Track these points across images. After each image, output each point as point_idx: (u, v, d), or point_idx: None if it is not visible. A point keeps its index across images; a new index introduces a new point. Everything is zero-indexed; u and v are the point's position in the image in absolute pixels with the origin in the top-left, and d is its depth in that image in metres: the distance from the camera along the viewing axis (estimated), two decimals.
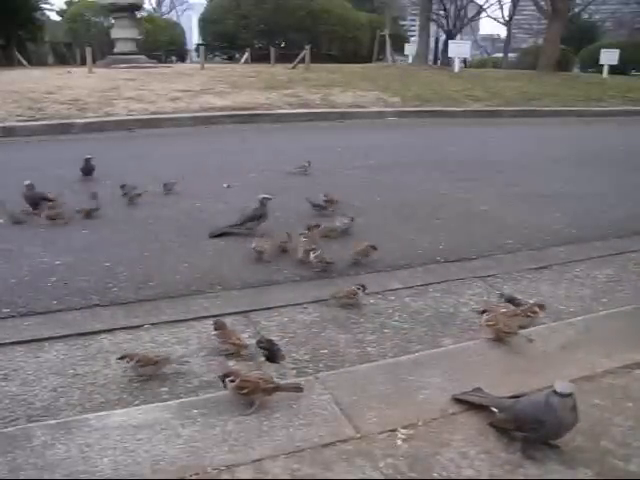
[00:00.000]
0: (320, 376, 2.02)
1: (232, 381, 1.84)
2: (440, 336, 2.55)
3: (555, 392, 1.61)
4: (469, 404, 1.84)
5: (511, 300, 2.92)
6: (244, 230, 3.93)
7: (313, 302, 2.90)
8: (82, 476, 1.52)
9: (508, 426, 1.70)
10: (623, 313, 2.61)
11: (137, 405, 2.00)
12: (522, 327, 2.51)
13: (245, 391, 1.82)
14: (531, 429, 1.64)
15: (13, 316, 2.72)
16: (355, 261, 3.44)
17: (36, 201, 4.41)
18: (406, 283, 3.17)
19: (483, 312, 2.45)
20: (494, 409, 1.77)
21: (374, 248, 3.43)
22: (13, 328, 2.59)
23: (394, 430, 1.73)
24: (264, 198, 3.96)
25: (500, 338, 2.30)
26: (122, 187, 4.78)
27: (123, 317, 2.71)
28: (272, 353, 2.36)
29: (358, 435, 1.71)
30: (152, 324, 2.63)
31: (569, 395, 1.60)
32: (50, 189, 4.56)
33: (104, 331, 2.54)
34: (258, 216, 3.95)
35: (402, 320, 2.72)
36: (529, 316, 2.57)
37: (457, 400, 1.87)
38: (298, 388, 1.90)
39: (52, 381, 2.15)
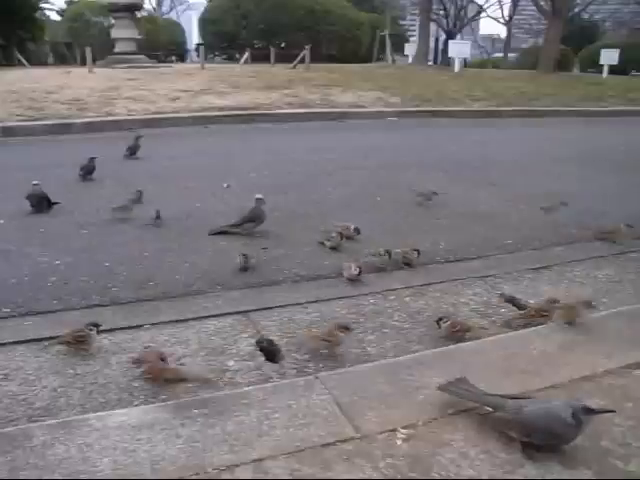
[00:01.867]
0: (320, 376, 2.01)
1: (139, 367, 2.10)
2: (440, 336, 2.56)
3: (581, 408, 1.61)
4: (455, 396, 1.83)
5: (511, 300, 2.93)
6: (242, 231, 3.93)
7: (313, 302, 2.90)
8: (82, 476, 1.52)
9: (512, 429, 1.67)
10: (623, 313, 2.61)
11: (137, 405, 2.00)
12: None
13: (149, 377, 2.07)
14: (541, 439, 1.63)
15: (13, 316, 2.72)
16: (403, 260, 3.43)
17: (40, 201, 4.41)
18: (406, 283, 3.17)
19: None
20: (488, 408, 1.75)
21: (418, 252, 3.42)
22: (13, 328, 2.59)
23: (394, 430, 1.73)
24: (259, 199, 3.94)
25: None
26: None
27: (123, 317, 2.71)
28: (272, 353, 2.36)
29: (358, 435, 1.71)
30: (152, 324, 2.63)
31: (591, 411, 1.60)
32: (50, 189, 4.56)
33: (104, 331, 2.53)
34: (254, 218, 3.93)
35: (402, 320, 2.72)
36: (543, 315, 2.58)
37: (443, 390, 1.84)
38: (207, 380, 2.08)
39: (52, 381, 2.15)
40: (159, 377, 2.05)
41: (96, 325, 2.39)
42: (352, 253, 3.59)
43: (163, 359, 2.14)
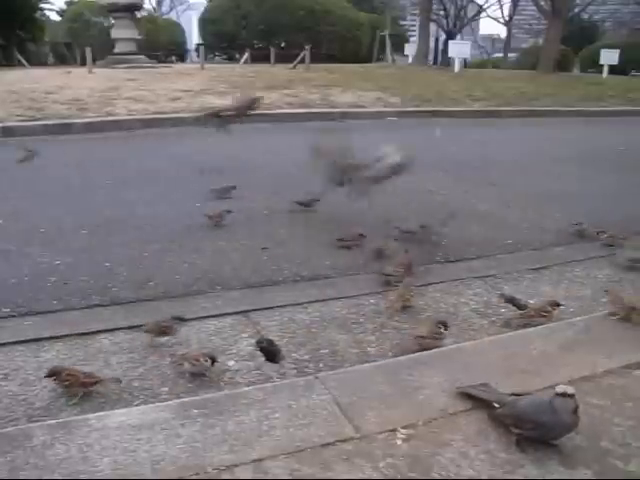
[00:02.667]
0: (320, 376, 2.01)
1: (55, 379, 2.07)
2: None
3: (557, 395, 1.62)
4: (472, 398, 1.85)
5: (511, 300, 2.93)
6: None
7: (313, 302, 2.90)
8: (82, 476, 1.52)
9: (506, 421, 1.72)
10: None
11: (137, 405, 2.00)
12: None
13: (67, 383, 2.05)
14: (529, 429, 1.66)
15: (13, 316, 2.72)
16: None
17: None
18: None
19: None
20: (496, 404, 1.77)
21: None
22: (13, 328, 2.59)
23: (394, 430, 1.73)
24: (400, 156, 3.85)
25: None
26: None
27: (123, 317, 2.71)
28: (272, 353, 2.36)
29: (358, 435, 1.71)
30: None
31: (570, 397, 1.60)
32: (51, 189, 4.56)
33: (104, 331, 2.54)
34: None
35: (402, 320, 2.72)
36: (543, 316, 2.57)
37: (461, 393, 1.87)
38: (117, 380, 2.13)
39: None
40: (77, 382, 2.05)
41: (181, 319, 2.47)
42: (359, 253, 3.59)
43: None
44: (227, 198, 4.77)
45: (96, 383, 2.08)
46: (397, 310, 2.76)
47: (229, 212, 4.14)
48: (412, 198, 5.00)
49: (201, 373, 2.19)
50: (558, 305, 2.65)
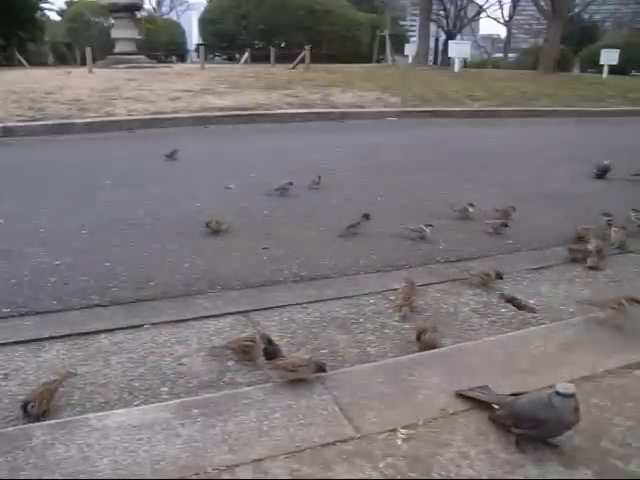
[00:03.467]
0: (320, 376, 2.02)
1: (33, 407, 1.95)
2: (440, 336, 2.55)
3: (557, 392, 1.62)
4: (472, 401, 1.85)
5: (511, 300, 2.93)
6: None
7: (313, 302, 2.90)
8: (82, 476, 1.52)
9: (506, 422, 1.72)
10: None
11: (137, 405, 2.00)
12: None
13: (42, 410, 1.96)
14: (529, 427, 1.66)
15: (13, 316, 2.72)
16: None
17: None
18: None
19: None
20: (495, 406, 1.77)
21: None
22: (13, 328, 2.59)
23: (394, 430, 1.73)
24: None
25: None
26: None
27: (123, 317, 2.71)
28: (272, 353, 2.36)
29: (358, 435, 1.71)
30: (152, 324, 2.63)
31: (570, 396, 1.60)
32: (52, 189, 4.56)
33: (104, 331, 2.54)
34: None
35: (402, 320, 2.72)
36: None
37: (460, 396, 1.88)
38: (73, 374, 2.14)
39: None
40: (43, 400, 1.98)
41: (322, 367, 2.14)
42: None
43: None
44: (286, 196, 4.92)
45: (56, 389, 2.04)
46: (407, 314, 2.74)
47: (220, 223, 3.96)
48: (412, 199, 5.00)
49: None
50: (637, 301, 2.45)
